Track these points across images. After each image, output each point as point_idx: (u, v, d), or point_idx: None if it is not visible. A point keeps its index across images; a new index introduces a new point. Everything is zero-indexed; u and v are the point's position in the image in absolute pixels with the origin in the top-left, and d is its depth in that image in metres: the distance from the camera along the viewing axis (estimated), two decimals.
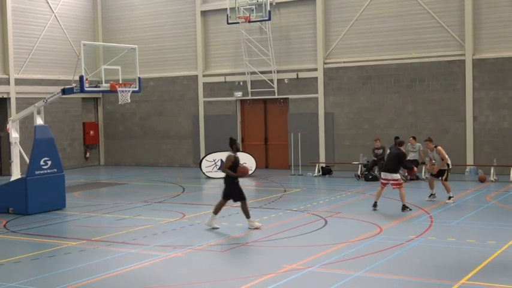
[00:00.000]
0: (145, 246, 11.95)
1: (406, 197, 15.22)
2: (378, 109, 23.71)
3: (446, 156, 16.26)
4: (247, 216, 13.41)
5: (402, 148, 15.80)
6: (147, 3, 28.12)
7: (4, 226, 14.39)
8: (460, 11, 22.27)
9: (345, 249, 11.21)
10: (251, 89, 25.72)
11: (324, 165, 23.58)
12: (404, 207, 15.03)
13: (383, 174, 15.55)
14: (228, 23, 25.21)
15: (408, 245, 11.45)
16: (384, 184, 15.47)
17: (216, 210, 13.55)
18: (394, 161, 15.42)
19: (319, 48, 24.47)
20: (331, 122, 24.43)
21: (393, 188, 15.43)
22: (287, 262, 10.43)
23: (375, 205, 15.35)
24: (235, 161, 13.30)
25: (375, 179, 20.93)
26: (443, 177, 16.37)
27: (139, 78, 17.26)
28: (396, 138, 21.83)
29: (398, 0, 23.28)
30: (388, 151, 21.93)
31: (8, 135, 19.59)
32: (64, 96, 17.04)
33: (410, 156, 21.28)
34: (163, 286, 9.40)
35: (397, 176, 15.35)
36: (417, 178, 20.99)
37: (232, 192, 13.42)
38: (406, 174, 20.80)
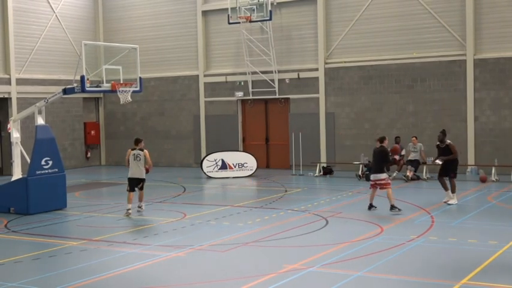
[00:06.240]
0: (146, 246, 11.95)
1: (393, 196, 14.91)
2: (379, 109, 23.70)
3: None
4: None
5: (385, 145, 15.11)
6: (148, 3, 28.12)
7: (5, 226, 14.39)
8: (461, 10, 22.25)
9: (346, 249, 11.20)
10: (252, 89, 25.71)
11: (325, 165, 23.56)
12: (392, 207, 14.67)
13: (372, 176, 14.98)
14: (229, 23, 25.19)
15: (409, 245, 11.44)
16: (374, 186, 14.96)
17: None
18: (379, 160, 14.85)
19: (320, 48, 24.46)
20: (332, 122, 24.42)
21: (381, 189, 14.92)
22: (288, 262, 10.43)
23: (370, 207, 15.11)
24: None
25: None
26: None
27: (140, 78, 17.24)
28: (397, 137, 21.98)
29: (400, 0, 23.28)
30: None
31: (9, 135, 19.59)
32: (65, 96, 17.04)
33: (412, 156, 21.30)
34: (164, 286, 9.40)
35: (384, 175, 14.85)
36: (418, 178, 20.96)
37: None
38: (408, 174, 20.80)
